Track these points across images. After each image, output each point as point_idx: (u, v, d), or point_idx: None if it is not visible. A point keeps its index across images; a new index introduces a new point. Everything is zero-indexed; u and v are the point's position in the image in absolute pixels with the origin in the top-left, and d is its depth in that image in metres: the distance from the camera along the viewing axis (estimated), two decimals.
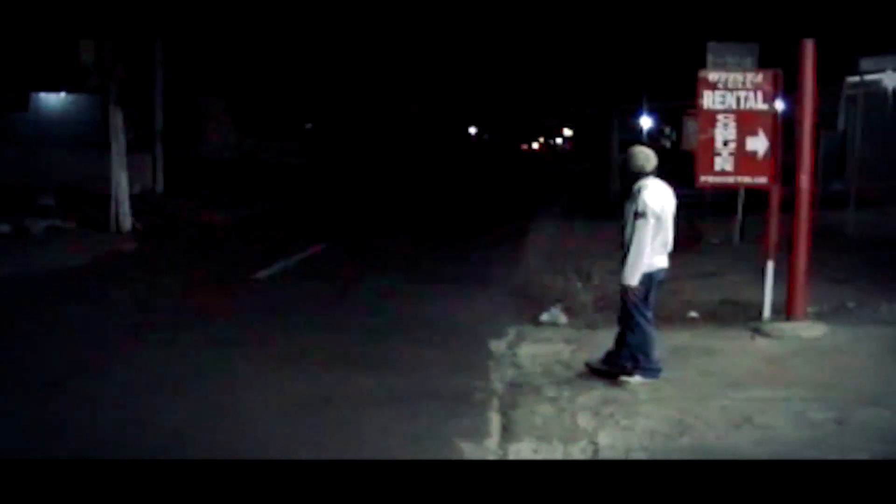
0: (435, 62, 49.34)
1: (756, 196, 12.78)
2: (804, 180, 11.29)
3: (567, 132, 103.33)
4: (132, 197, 21.69)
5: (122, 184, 21.13)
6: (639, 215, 9.00)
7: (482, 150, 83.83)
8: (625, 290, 9.22)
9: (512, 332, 11.50)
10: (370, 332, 11.55)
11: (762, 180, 11.56)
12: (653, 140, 48.46)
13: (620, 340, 9.38)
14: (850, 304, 12.77)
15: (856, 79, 21.63)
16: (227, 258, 18.17)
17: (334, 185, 37.10)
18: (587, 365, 9.68)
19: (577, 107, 53.39)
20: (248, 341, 11.02)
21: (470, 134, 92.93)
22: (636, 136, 42.45)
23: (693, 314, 12.40)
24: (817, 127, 12.25)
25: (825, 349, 10.56)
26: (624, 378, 9.20)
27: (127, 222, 21.01)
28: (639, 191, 9.08)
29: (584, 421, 8.11)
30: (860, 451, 7.21)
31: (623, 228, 9.25)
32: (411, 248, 19.95)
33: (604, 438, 7.65)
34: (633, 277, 9.09)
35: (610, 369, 9.39)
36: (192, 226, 22.96)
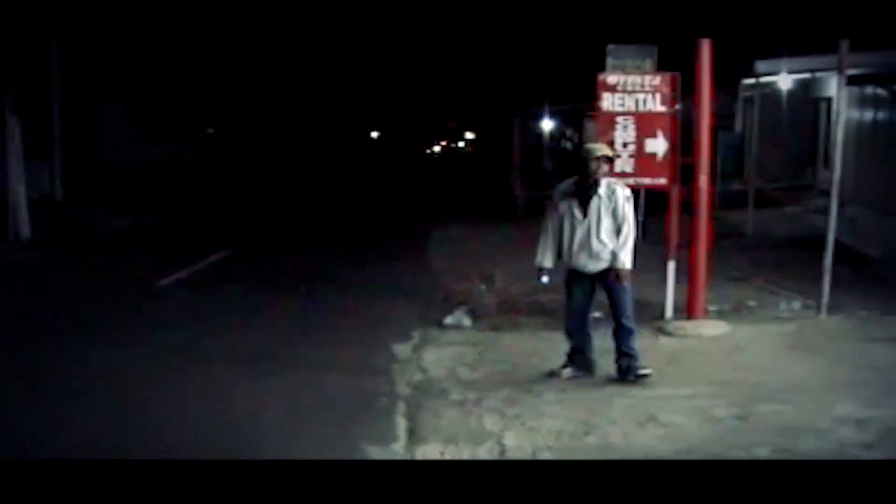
0: (337, 65, 49.17)
1: (658, 197, 12.92)
2: (703, 181, 11.46)
3: (469, 135, 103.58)
4: (30, 205, 21.23)
5: (19, 192, 20.69)
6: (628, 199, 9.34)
7: (384, 154, 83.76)
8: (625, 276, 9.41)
9: (416, 336, 11.50)
10: (273, 338, 11.45)
11: (662, 181, 11.70)
12: (554, 142, 48.81)
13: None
14: (751, 303, 13.01)
15: (752, 81, 22.00)
16: (126, 266, 17.83)
17: (237, 190, 36.73)
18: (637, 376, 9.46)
19: (480, 109, 53.63)
20: (142, 346, 10.89)
21: (372, 138, 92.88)
22: (538, 139, 42.72)
23: (597, 314, 12.49)
24: (716, 128, 12.44)
25: (726, 347, 10.73)
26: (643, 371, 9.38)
27: (25, 231, 20.56)
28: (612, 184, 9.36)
29: (490, 423, 8.13)
30: (762, 446, 7.35)
31: (599, 221, 9.34)
32: (315, 253, 19.83)
33: (510, 440, 7.68)
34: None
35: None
36: (92, 234, 22.54)
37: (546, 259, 9.80)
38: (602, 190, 9.25)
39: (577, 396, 8.80)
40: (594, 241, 9.26)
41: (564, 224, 9.41)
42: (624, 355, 9.43)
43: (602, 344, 9.80)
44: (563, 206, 9.42)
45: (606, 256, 9.32)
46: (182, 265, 16.84)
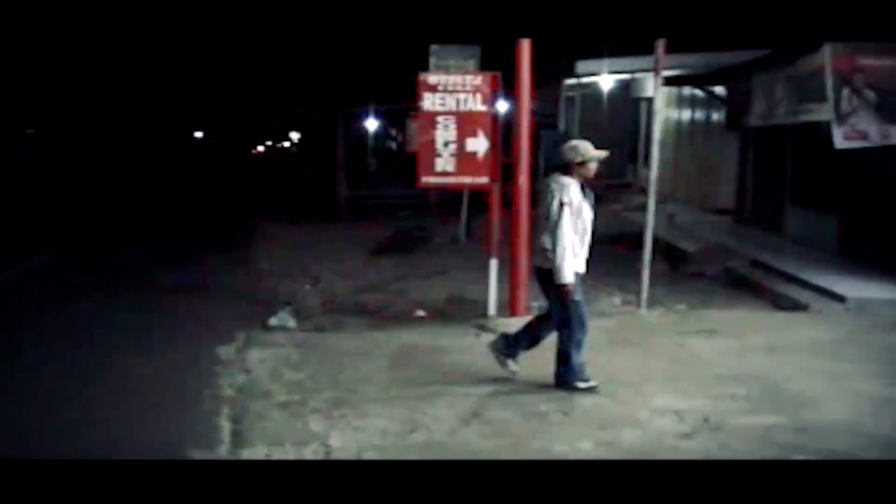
0: (158, 64, 48.17)
1: (482, 196, 13.05)
2: (523, 179, 11.61)
3: (294, 135, 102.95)
4: None
5: None
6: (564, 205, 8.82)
7: (209, 154, 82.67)
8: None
9: (241, 338, 11.35)
10: (95, 342, 11.19)
11: (483, 180, 11.82)
12: (379, 142, 48.83)
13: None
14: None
15: (574, 81, 22.37)
16: None
17: (58, 192, 35.77)
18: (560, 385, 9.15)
19: (304, 109, 53.26)
20: None
21: (196, 138, 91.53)
22: (362, 139, 42.67)
23: (420, 313, 12.59)
24: (539, 127, 12.61)
25: (548, 343, 10.87)
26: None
27: None
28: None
29: (315, 424, 8.08)
30: (584, 439, 7.52)
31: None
32: (136, 255, 19.42)
33: (336, 440, 7.64)
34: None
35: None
36: None
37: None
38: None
39: (402, 395, 8.82)
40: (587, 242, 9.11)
41: (577, 225, 8.90)
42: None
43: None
44: (577, 205, 8.89)
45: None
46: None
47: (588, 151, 8.98)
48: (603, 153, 9.06)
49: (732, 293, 14.18)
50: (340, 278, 15.48)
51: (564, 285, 8.74)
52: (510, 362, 9.36)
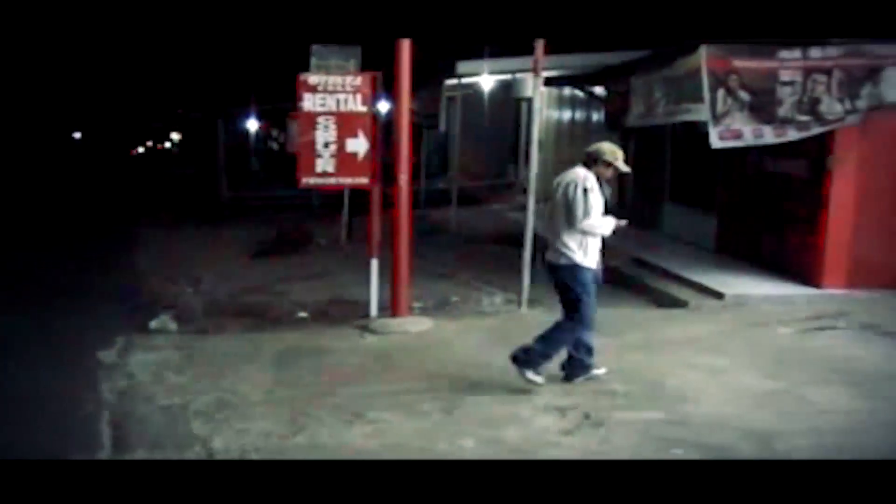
0: (35, 65, 47.14)
1: (363, 196, 13.02)
2: (403, 179, 11.64)
3: (175, 135, 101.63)
4: None
5: None
6: None
7: (88, 155, 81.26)
8: None
9: (121, 341, 11.18)
10: None
11: (363, 181, 11.81)
12: (261, 143, 48.52)
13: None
14: (454, 299, 13.33)
15: (455, 81, 22.44)
16: None
17: None
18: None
19: (185, 110, 52.68)
20: None
21: (74, 138, 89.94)
22: (244, 139, 42.37)
23: (303, 314, 12.55)
24: (420, 127, 12.64)
25: (431, 343, 10.94)
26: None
27: None
28: None
29: (198, 427, 8.02)
30: (467, 438, 7.57)
31: None
32: (15, 259, 18.98)
33: (218, 443, 7.60)
34: None
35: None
36: None
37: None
38: None
39: (285, 397, 8.79)
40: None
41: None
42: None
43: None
44: (597, 195, 8.94)
45: None
46: None
47: (619, 158, 9.16)
48: (627, 168, 9.30)
49: (612, 291, 14.32)
50: (222, 280, 15.34)
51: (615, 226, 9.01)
52: (596, 371, 9.31)
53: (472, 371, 9.59)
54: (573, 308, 8.91)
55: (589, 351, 9.19)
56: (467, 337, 11.25)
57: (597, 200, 8.85)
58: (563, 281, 8.97)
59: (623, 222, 9.16)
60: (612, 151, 9.13)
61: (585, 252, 8.89)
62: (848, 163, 13.08)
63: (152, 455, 7.43)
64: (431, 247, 17.55)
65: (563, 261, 8.90)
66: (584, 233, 8.82)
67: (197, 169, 48.37)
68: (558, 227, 8.94)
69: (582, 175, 8.93)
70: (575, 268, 8.86)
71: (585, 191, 8.78)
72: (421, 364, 9.92)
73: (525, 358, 8.85)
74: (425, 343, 10.94)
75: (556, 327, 8.98)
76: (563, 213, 8.89)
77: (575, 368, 9.18)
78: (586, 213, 8.75)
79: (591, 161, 9.07)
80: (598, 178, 9.00)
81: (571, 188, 8.85)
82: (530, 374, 8.83)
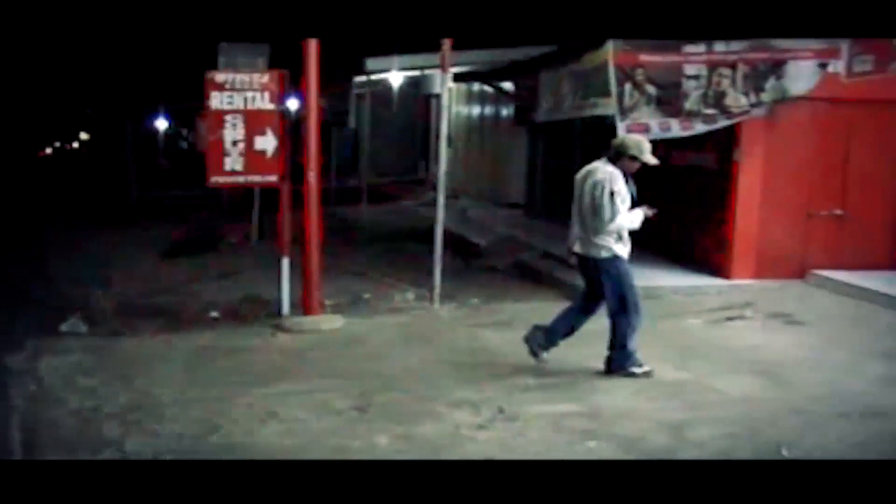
0: None
1: (274, 195, 12.97)
2: (312, 177, 11.63)
3: (84, 136, 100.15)
4: None
5: None
6: None
7: None
8: None
9: (30, 346, 11.04)
10: None
11: (272, 179, 11.81)
12: (171, 141, 48.08)
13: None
14: (367, 296, 13.37)
15: (364, 78, 22.45)
16: None
17: None
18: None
19: (93, 110, 51.99)
20: None
21: None
22: (153, 138, 41.94)
23: (214, 314, 12.49)
24: (329, 125, 12.64)
25: (344, 340, 10.98)
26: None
27: None
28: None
29: (109, 429, 7.96)
30: (382, 434, 7.62)
31: None
32: None
33: (131, 446, 7.54)
34: None
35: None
36: None
37: None
38: None
39: (199, 397, 8.75)
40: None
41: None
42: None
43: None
44: (623, 194, 9.09)
45: None
46: None
47: (645, 151, 9.23)
48: (655, 160, 9.31)
49: (525, 285, 14.51)
50: (133, 281, 15.19)
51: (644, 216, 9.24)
52: (543, 354, 9.61)
53: (386, 368, 9.65)
54: (620, 301, 9.20)
55: (564, 333, 9.63)
56: (380, 334, 11.31)
57: (624, 200, 9.04)
58: (602, 275, 9.23)
59: (651, 211, 9.33)
60: (636, 145, 9.28)
61: (623, 242, 9.20)
62: (754, 155, 13.38)
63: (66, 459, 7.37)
64: (343, 244, 17.57)
65: (604, 254, 9.16)
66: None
67: (106, 169, 47.73)
68: (588, 223, 9.17)
69: (608, 174, 9.07)
70: (615, 259, 9.16)
71: (612, 194, 8.96)
72: (334, 362, 9.95)
73: (616, 366, 9.30)
74: (338, 340, 10.97)
75: (614, 328, 9.29)
76: (590, 213, 9.11)
77: (550, 338, 9.62)
78: (613, 217, 9.01)
79: (616, 156, 9.20)
80: (624, 173, 9.15)
81: (599, 190, 9.02)
82: (634, 370, 9.27)
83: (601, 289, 9.27)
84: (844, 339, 10.50)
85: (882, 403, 8.51)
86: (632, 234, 9.23)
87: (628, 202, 9.09)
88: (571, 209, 9.47)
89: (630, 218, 9.10)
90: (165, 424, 8.02)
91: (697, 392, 8.87)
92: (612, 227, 9.01)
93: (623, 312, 9.19)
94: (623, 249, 9.17)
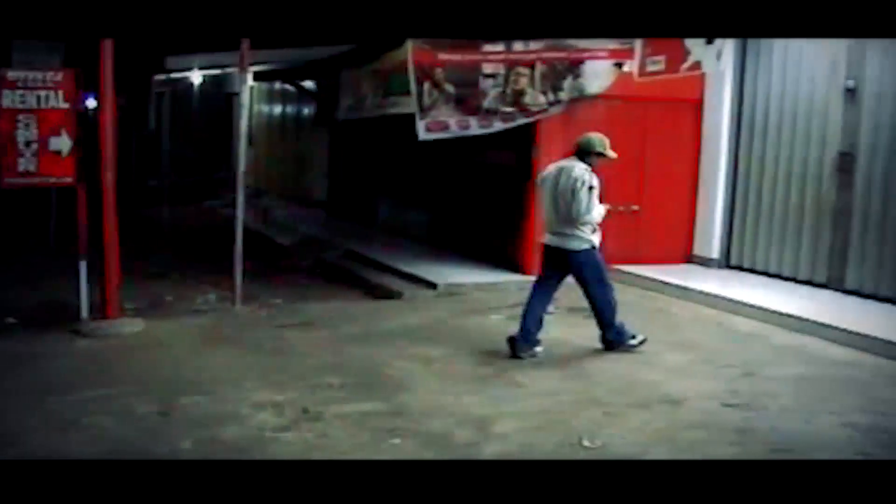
0: None
1: (73, 196, 12.64)
2: (109, 178, 11.40)
3: None
4: None
5: None
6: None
7: None
8: None
9: None
10: None
11: (68, 179, 11.51)
12: None
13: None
14: (168, 298, 13.19)
15: (164, 77, 22.11)
16: None
17: None
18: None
19: None
20: None
21: None
22: None
23: (11, 320, 12.10)
24: (129, 125, 12.41)
25: (145, 344, 10.78)
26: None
27: None
28: None
29: None
30: (185, 439, 7.52)
31: None
32: None
33: None
34: None
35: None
36: None
37: None
38: None
39: None
40: None
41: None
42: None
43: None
44: (598, 189, 9.85)
45: None
46: None
47: (608, 147, 10.07)
48: (614, 154, 10.13)
49: (328, 285, 14.53)
50: None
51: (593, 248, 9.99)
52: (536, 349, 10.14)
53: (187, 371, 9.53)
54: (599, 286, 10.12)
55: (538, 328, 10.19)
56: (181, 336, 11.16)
57: (597, 194, 9.82)
58: (579, 266, 10.04)
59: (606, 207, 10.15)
60: (600, 142, 10.06)
61: (597, 233, 10.03)
62: (552, 153, 13.62)
63: None
64: (144, 246, 17.25)
65: (584, 245, 9.93)
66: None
67: None
68: (565, 217, 9.84)
69: (585, 171, 9.83)
70: (591, 251, 9.99)
71: (591, 188, 9.70)
72: (135, 366, 9.76)
73: (616, 344, 10.26)
74: (139, 344, 10.77)
75: (602, 311, 10.22)
76: (567, 205, 9.79)
77: (528, 338, 10.12)
78: (589, 210, 9.73)
79: (585, 153, 9.98)
80: (593, 169, 9.90)
81: (578, 184, 9.69)
82: (631, 342, 10.30)
83: (566, 277, 10.26)
84: (645, 332, 10.79)
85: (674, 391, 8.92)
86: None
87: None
88: (543, 206, 10.22)
89: (600, 212, 9.88)
90: None
91: (500, 385, 9.05)
92: (587, 218, 9.73)
93: (603, 296, 10.07)
94: (597, 240, 10.03)
